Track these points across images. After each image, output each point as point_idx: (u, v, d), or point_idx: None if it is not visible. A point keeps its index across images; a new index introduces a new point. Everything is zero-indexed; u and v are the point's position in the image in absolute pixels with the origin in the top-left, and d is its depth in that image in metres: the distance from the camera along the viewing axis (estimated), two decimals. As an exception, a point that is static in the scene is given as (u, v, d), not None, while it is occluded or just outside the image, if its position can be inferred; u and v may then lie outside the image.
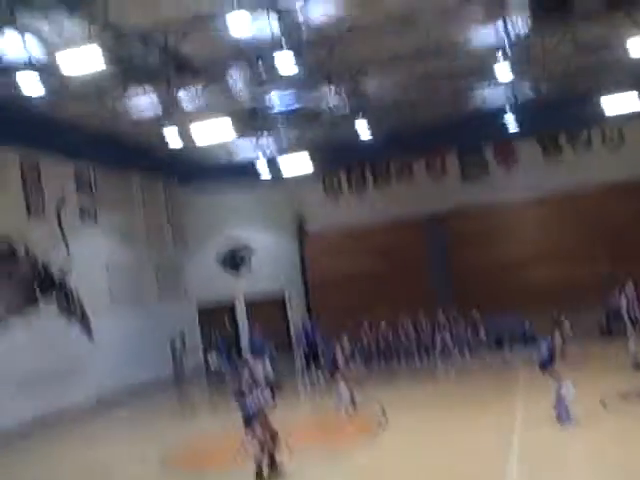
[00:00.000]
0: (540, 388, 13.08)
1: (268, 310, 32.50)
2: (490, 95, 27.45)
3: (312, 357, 22.68)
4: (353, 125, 26.59)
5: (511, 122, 28.00)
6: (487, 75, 23.26)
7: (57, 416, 20.56)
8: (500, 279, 29.42)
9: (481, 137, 30.64)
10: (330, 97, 24.27)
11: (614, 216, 28.85)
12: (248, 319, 31.90)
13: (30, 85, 17.54)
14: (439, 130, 29.31)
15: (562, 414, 11.90)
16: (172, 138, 23.52)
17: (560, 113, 28.11)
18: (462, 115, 28.56)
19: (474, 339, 24.17)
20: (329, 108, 25.36)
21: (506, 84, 25.22)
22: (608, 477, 9.16)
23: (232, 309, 33.19)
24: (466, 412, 14.41)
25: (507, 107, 27.88)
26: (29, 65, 16.40)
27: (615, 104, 25.66)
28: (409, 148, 30.95)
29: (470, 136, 30.22)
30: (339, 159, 31.31)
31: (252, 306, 32.75)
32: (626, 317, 17.84)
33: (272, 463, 11.03)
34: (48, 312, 22.21)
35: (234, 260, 33.40)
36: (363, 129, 26.85)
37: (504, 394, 15.97)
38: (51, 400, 20.72)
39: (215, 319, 31.96)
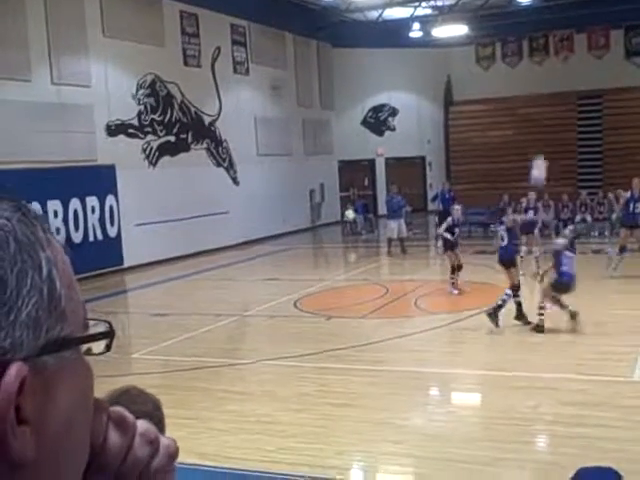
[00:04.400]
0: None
1: (408, 172, 32.92)
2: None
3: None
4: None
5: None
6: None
7: (200, 253, 22.18)
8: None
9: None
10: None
11: None
12: (387, 179, 32.48)
13: None
14: (606, 4, 27.82)
15: None
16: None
17: None
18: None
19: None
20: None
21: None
22: None
23: (372, 168, 33.80)
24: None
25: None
26: None
27: None
28: (572, 21, 29.67)
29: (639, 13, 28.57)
30: (495, 28, 30.42)
31: (392, 167, 33.24)
32: None
33: None
34: (198, 157, 23.52)
35: (378, 120, 33.71)
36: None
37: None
38: (194, 237, 22.29)
39: (355, 176, 32.78)
